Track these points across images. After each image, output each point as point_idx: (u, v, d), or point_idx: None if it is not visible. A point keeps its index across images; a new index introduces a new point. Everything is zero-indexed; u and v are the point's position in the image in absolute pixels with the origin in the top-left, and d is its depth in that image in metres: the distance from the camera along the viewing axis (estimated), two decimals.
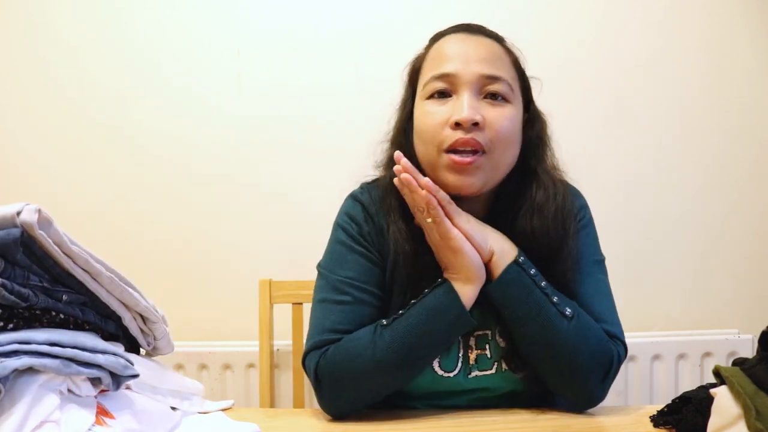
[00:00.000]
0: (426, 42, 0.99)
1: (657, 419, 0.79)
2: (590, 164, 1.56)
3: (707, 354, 1.52)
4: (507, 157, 0.90)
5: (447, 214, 0.86)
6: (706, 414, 0.70)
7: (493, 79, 0.88)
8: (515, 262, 0.87)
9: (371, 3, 1.57)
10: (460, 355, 0.91)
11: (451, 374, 0.91)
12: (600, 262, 0.98)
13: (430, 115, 0.89)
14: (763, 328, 0.70)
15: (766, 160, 1.58)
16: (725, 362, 1.51)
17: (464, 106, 0.86)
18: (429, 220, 0.85)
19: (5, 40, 1.59)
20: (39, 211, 0.58)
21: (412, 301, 0.87)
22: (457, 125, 0.85)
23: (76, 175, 1.59)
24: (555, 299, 0.86)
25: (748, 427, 0.63)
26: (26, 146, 1.59)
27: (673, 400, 0.78)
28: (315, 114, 1.57)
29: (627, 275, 1.58)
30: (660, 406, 0.80)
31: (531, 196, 0.91)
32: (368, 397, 0.88)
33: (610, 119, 1.57)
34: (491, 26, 0.94)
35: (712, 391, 0.71)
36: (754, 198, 1.59)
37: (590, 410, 0.88)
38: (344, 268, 0.92)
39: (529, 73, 0.96)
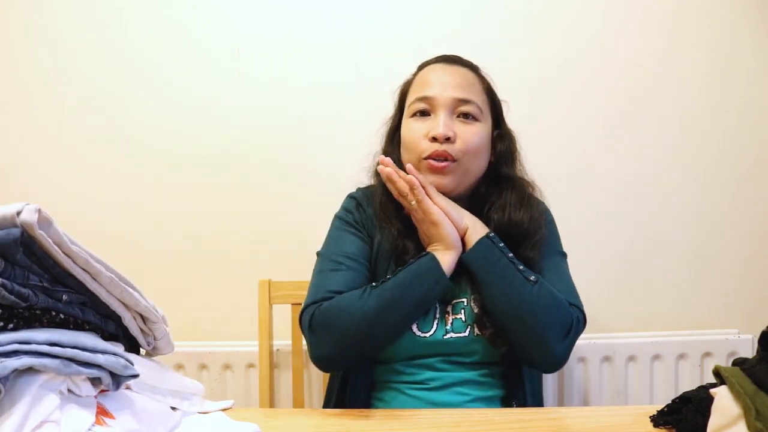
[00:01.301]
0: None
1: (657, 419, 0.79)
2: (590, 164, 1.57)
3: (707, 354, 1.52)
4: (475, 164, 1.07)
5: (428, 194, 1.01)
6: (706, 414, 0.70)
7: (465, 101, 1.05)
8: (486, 236, 1.02)
9: (371, 3, 1.57)
10: (437, 317, 1.03)
11: (428, 334, 1.02)
12: (563, 254, 1.12)
13: (413, 130, 1.06)
14: (763, 328, 0.70)
15: (766, 160, 1.58)
16: (725, 362, 1.51)
17: (440, 123, 1.03)
18: (413, 202, 1.00)
19: (5, 40, 1.59)
20: (39, 211, 0.58)
21: (399, 269, 1.00)
22: (434, 139, 1.03)
23: (76, 174, 1.59)
24: (520, 267, 1.00)
25: (748, 427, 0.63)
26: (26, 146, 1.59)
27: (673, 400, 0.78)
28: (315, 114, 1.57)
29: (627, 275, 1.58)
30: (660, 406, 0.80)
31: (503, 195, 1.08)
32: (355, 348, 0.99)
33: (610, 119, 1.57)
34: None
35: (712, 391, 0.71)
36: (754, 198, 1.58)
37: (590, 410, 0.89)
38: (339, 245, 1.08)
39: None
